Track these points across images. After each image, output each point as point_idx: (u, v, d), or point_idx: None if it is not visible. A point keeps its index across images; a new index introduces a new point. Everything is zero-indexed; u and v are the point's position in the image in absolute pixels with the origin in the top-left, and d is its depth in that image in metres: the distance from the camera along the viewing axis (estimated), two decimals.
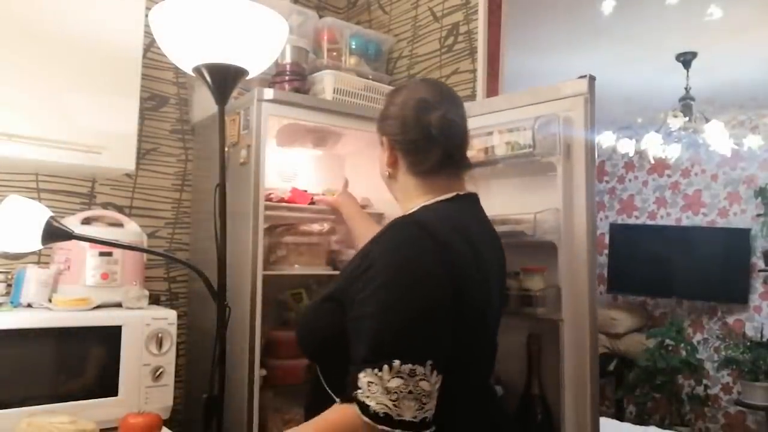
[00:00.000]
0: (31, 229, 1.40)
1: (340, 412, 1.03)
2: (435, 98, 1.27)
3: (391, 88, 2.35)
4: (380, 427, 0.96)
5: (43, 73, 1.75)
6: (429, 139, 1.25)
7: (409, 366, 0.98)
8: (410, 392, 0.97)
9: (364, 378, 0.98)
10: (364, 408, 0.97)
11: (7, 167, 2.00)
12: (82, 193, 2.19)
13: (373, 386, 0.97)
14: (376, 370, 0.98)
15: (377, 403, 0.96)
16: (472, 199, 1.32)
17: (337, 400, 1.09)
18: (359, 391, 0.98)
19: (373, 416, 0.96)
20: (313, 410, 1.12)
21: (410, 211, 1.25)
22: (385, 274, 1.06)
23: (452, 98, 1.31)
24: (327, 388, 1.17)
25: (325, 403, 1.10)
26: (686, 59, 3.88)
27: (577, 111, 1.56)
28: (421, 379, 0.98)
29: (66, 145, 1.78)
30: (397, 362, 0.97)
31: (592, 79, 1.57)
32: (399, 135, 1.28)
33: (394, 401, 0.96)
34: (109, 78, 1.87)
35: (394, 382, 0.97)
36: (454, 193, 1.27)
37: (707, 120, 3.93)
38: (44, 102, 1.75)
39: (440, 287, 1.07)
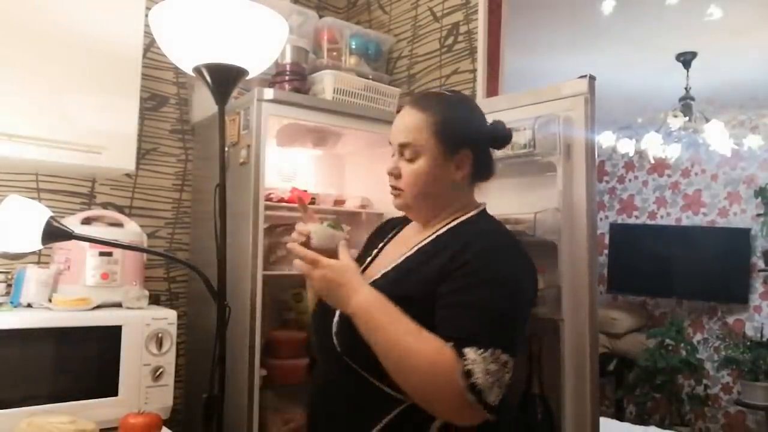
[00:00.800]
0: (31, 229, 1.40)
1: (440, 351, 1.06)
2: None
3: (391, 88, 2.36)
4: (471, 398, 1.03)
5: (43, 73, 1.75)
6: (494, 145, 1.37)
7: (506, 357, 1.07)
8: (498, 380, 1.05)
9: (470, 353, 1.04)
10: (467, 374, 1.03)
11: (7, 167, 2.00)
12: (82, 193, 2.19)
13: (476, 364, 1.03)
14: (481, 351, 1.04)
15: (481, 379, 1.03)
16: None
17: (400, 396, 1.15)
18: (467, 360, 1.04)
19: (471, 387, 1.03)
20: (364, 413, 1.20)
21: (469, 215, 1.32)
22: (493, 271, 1.15)
23: None
24: (387, 390, 1.16)
25: (382, 405, 1.18)
26: (686, 59, 3.88)
27: (577, 111, 1.56)
28: (507, 372, 1.07)
29: (66, 145, 1.78)
30: (499, 351, 1.05)
31: (592, 78, 1.57)
32: (480, 143, 1.33)
33: (489, 383, 1.04)
34: (109, 78, 1.87)
35: (493, 366, 1.04)
36: (484, 203, 1.38)
37: (707, 120, 3.93)
38: (44, 102, 1.75)
39: (533, 291, 1.25)
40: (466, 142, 1.29)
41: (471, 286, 1.12)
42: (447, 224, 1.31)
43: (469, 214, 1.32)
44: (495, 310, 1.11)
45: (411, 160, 1.28)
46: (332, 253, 1.24)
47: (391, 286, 1.22)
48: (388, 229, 1.52)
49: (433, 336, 1.08)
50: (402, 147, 1.29)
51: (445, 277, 1.15)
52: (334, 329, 1.23)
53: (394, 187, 1.33)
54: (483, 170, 1.34)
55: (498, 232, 1.28)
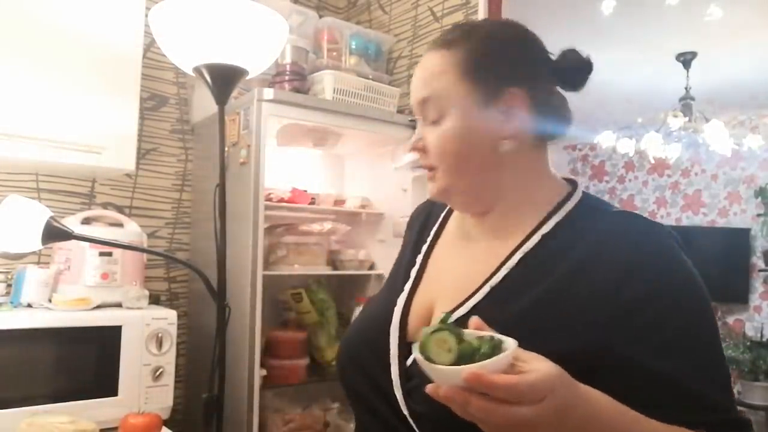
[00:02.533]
0: (31, 229, 1.40)
1: None
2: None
3: (391, 88, 2.36)
4: None
5: (43, 72, 1.75)
6: (564, 79, 0.90)
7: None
8: None
9: None
10: None
11: (7, 167, 2.00)
12: (82, 193, 2.19)
13: None
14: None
15: None
16: None
17: None
18: None
19: None
20: None
21: (572, 201, 0.87)
22: (691, 304, 0.77)
23: None
24: None
25: None
26: (686, 59, 3.88)
27: None
28: None
29: (66, 145, 1.78)
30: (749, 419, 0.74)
31: None
32: (539, 77, 0.87)
33: None
34: (109, 78, 1.87)
35: None
36: (572, 178, 0.95)
37: (707, 120, 3.93)
38: (44, 102, 1.75)
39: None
40: (516, 76, 0.84)
41: (677, 339, 0.73)
42: (546, 218, 0.85)
43: (573, 201, 0.87)
44: (722, 361, 0.76)
45: (436, 122, 0.85)
46: None
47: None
48: (427, 220, 1.04)
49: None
50: (422, 105, 0.87)
51: (615, 327, 0.72)
52: (399, 386, 0.80)
53: (424, 167, 0.89)
54: (551, 119, 0.87)
55: (657, 233, 0.80)
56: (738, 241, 4.97)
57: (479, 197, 0.87)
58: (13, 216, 1.40)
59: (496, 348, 0.62)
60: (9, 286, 1.84)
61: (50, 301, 1.81)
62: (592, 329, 0.73)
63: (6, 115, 1.69)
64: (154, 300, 2.03)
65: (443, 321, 0.65)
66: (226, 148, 1.89)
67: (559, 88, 0.90)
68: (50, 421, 1.52)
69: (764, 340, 4.63)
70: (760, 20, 3.32)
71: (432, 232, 0.99)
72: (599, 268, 0.75)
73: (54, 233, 1.43)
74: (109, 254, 1.88)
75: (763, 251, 4.82)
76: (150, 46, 2.23)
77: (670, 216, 5.50)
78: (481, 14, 2.21)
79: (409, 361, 0.81)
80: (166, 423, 1.74)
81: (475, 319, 0.66)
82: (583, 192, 0.90)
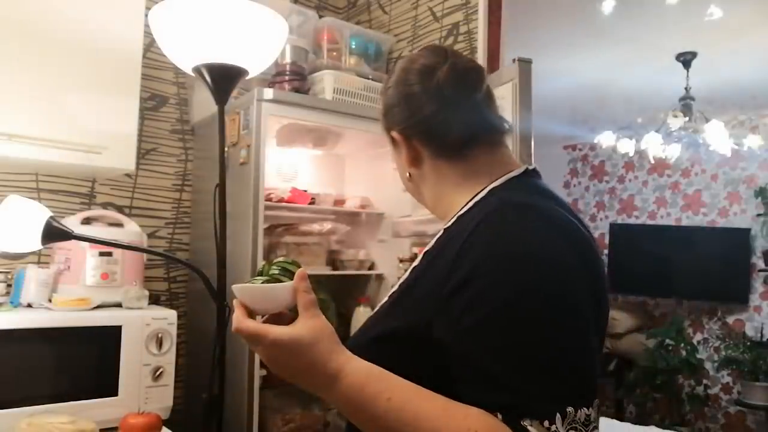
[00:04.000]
0: (31, 229, 1.40)
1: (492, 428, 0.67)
2: (436, 57, 0.96)
3: None
4: None
5: (43, 72, 1.75)
6: (446, 104, 0.92)
7: (585, 412, 0.68)
8: None
9: (533, 429, 0.66)
10: None
11: (7, 167, 2.00)
12: (82, 193, 2.19)
13: None
14: (546, 424, 0.66)
15: None
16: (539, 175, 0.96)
17: None
18: None
19: None
20: None
21: (478, 196, 0.89)
22: (515, 284, 0.72)
23: (457, 52, 0.99)
24: None
25: None
26: (686, 59, 3.88)
27: (507, 96, 1.56)
28: (594, 427, 0.69)
29: (66, 145, 1.78)
30: (570, 409, 0.67)
31: (523, 62, 1.54)
32: (410, 118, 0.95)
33: None
34: (109, 78, 1.87)
35: None
36: (524, 167, 0.94)
37: (707, 120, 3.93)
38: (44, 102, 1.75)
39: (586, 276, 0.77)
40: (392, 120, 0.98)
41: (488, 320, 0.71)
42: (454, 217, 0.90)
43: (478, 196, 0.89)
44: (550, 345, 0.70)
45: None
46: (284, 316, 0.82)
47: (377, 320, 0.89)
48: None
49: (474, 411, 0.69)
50: None
51: (440, 304, 0.76)
52: None
53: None
54: (445, 138, 0.93)
55: (509, 211, 0.79)
56: (738, 241, 4.96)
57: (430, 208, 1.02)
58: (13, 216, 1.40)
59: (283, 272, 0.83)
60: (9, 286, 1.84)
61: (50, 301, 1.81)
62: (421, 308, 0.79)
63: (6, 115, 1.69)
64: (154, 300, 2.03)
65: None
66: (226, 148, 1.89)
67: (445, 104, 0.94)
68: (50, 421, 1.53)
69: (764, 340, 4.63)
70: (760, 20, 3.32)
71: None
72: (446, 253, 0.80)
73: (54, 233, 1.43)
74: (109, 254, 1.88)
75: (763, 251, 4.82)
76: (150, 46, 2.23)
77: (670, 216, 5.50)
78: (481, 14, 2.21)
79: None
80: (166, 423, 1.74)
81: (299, 273, 0.79)
82: (498, 187, 0.90)
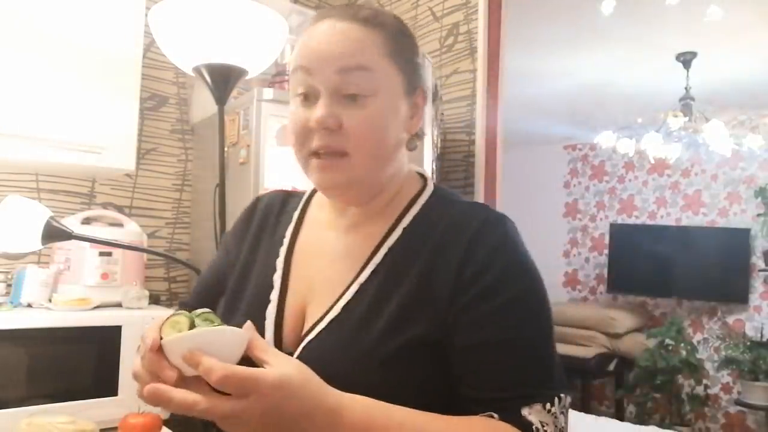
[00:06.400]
0: (31, 229, 1.40)
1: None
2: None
3: None
4: None
5: (43, 73, 1.75)
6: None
7: (569, 399, 0.76)
8: None
9: (534, 416, 0.71)
10: None
11: (7, 167, 2.00)
12: (82, 193, 2.19)
13: (548, 427, 0.71)
14: (548, 405, 0.72)
15: None
16: None
17: None
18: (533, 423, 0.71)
19: None
20: None
21: (425, 192, 0.88)
22: (520, 281, 0.77)
23: None
24: None
25: None
26: (686, 59, 3.88)
27: None
28: (565, 415, 0.75)
29: (66, 145, 1.78)
30: (563, 394, 0.74)
31: None
32: (425, 83, 0.89)
33: None
34: (109, 78, 1.87)
35: (562, 419, 0.73)
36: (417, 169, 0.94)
37: (707, 120, 3.93)
38: (44, 102, 1.75)
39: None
40: (420, 75, 0.87)
41: (504, 312, 0.75)
42: (404, 211, 0.85)
43: (426, 193, 0.87)
44: (547, 337, 0.78)
45: (355, 100, 0.78)
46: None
47: (376, 336, 0.77)
48: (275, 219, 0.96)
49: (475, 421, 0.72)
50: (345, 75, 0.77)
51: (459, 308, 0.75)
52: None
53: (327, 152, 0.78)
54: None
55: (500, 217, 0.82)
56: (738, 241, 4.96)
57: (374, 189, 0.84)
58: (13, 216, 1.41)
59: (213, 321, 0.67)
60: (9, 286, 1.84)
61: (50, 301, 1.81)
62: (438, 311, 0.75)
63: (6, 115, 1.69)
64: (154, 300, 2.03)
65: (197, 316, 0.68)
66: (226, 148, 1.89)
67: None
68: (50, 421, 1.52)
69: (764, 340, 4.63)
70: (760, 20, 3.32)
71: (289, 231, 0.92)
72: (446, 254, 0.78)
73: (54, 233, 1.43)
74: (109, 254, 1.88)
75: (763, 251, 4.82)
76: (150, 46, 2.23)
77: (671, 216, 5.50)
78: (481, 14, 2.22)
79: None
80: (166, 423, 1.74)
81: (248, 324, 0.68)
82: (434, 185, 0.90)
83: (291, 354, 0.77)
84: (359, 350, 0.75)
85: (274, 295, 0.85)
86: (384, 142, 0.80)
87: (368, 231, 0.84)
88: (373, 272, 0.80)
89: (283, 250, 0.89)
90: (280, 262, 0.88)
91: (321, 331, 0.78)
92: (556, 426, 0.72)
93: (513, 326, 0.74)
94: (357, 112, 0.77)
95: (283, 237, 0.91)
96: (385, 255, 0.81)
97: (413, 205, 0.85)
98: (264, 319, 0.83)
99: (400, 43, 0.83)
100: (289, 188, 2.25)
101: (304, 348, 0.78)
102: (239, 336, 0.66)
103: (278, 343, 0.81)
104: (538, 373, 0.74)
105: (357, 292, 0.79)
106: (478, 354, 0.74)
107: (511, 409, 0.71)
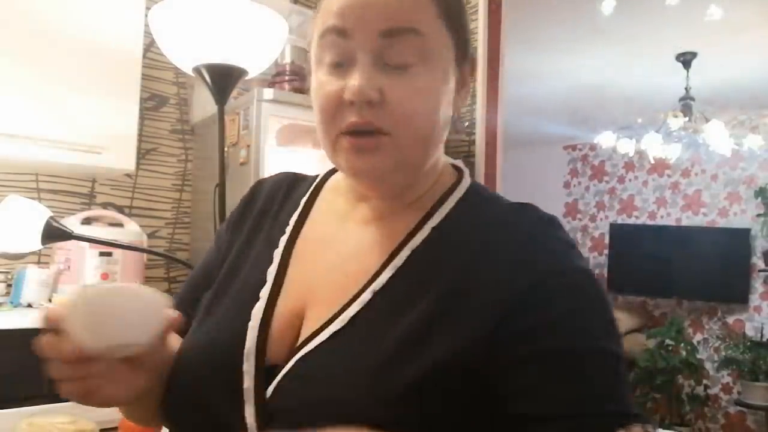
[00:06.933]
0: (31, 229, 1.40)
1: None
2: None
3: None
4: None
5: (43, 72, 1.75)
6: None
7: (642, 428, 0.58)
8: None
9: None
10: None
11: (7, 167, 2.00)
12: (82, 193, 2.19)
13: None
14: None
15: None
16: None
17: None
18: None
19: None
20: None
21: (461, 187, 0.71)
22: (588, 292, 0.61)
23: None
24: None
25: None
26: (686, 59, 3.88)
27: None
28: None
29: (66, 145, 1.78)
30: (638, 428, 0.55)
31: None
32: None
33: None
34: (110, 78, 1.87)
35: None
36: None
37: (707, 120, 3.93)
38: (44, 102, 1.75)
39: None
40: (469, 44, 0.71)
41: (571, 325, 0.58)
42: (434, 207, 0.69)
43: (461, 189, 0.71)
44: (620, 356, 0.59)
45: (404, 69, 0.63)
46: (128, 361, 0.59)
47: (396, 356, 0.58)
48: (278, 204, 0.80)
49: None
50: (390, 39, 0.62)
51: (504, 321, 0.58)
52: (255, 429, 0.60)
53: (365, 130, 0.63)
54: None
55: (551, 218, 0.67)
56: (738, 241, 4.96)
57: (412, 178, 0.69)
58: (13, 216, 1.41)
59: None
60: (9, 286, 1.84)
61: (50, 301, 1.81)
62: (480, 326, 0.58)
63: (6, 115, 1.69)
64: None
65: None
66: (226, 148, 1.88)
67: None
68: (50, 421, 1.52)
69: (764, 340, 4.63)
70: (760, 20, 3.32)
71: (293, 219, 0.75)
72: (491, 263, 0.61)
73: (54, 233, 1.43)
74: (109, 254, 1.88)
75: (763, 251, 4.82)
76: (150, 46, 2.23)
77: (671, 216, 5.50)
78: (481, 14, 2.22)
79: (269, 392, 0.60)
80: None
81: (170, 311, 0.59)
82: (472, 180, 0.73)
83: (277, 370, 0.62)
84: (370, 375, 0.57)
85: (265, 292, 0.68)
86: (433, 121, 0.64)
87: (391, 227, 0.68)
88: (392, 277, 0.63)
89: (283, 240, 0.73)
90: (277, 254, 0.71)
91: (320, 345, 0.61)
92: None
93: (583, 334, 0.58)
94: (404, 83, 0.62)
95: (286, 225, 0.74)
96: (408, 257, 0.64)
97: (446, 201, 0.69)
98: (249, 320, 0.65)
99: (455, 3, 0.67)
100: None
101: (296, 363, 0.61)
102: (156, 302, 0.53)
103: (261, 353, 0.63)
104: (612, 393, 0.57)
105: (370, 301, 0.62)
106: (539, 363, 0.57)
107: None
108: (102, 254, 1.86)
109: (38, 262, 2.03)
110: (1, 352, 1.62)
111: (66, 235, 1.45)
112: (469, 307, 0.59)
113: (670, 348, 4.82)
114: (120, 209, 2.24)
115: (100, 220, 2.04)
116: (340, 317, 0.62)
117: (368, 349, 0.59)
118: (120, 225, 2.04)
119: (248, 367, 0.62)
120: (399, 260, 0.64)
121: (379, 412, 0.55)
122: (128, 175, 2.28)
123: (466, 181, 0.72)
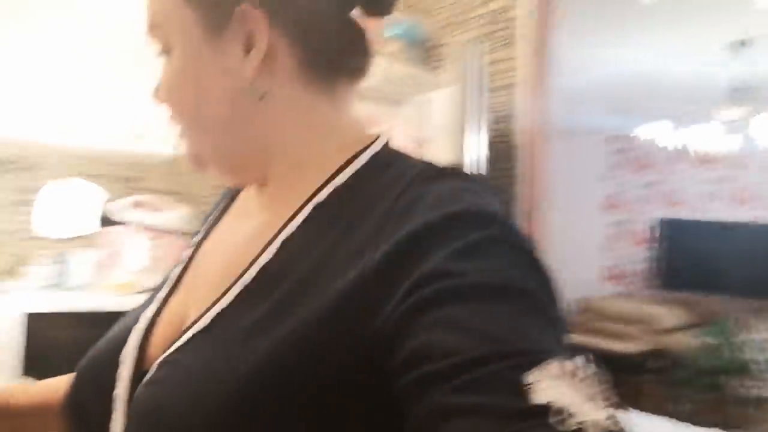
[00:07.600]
0: (85, 212, 1.43)
1: None
2: None
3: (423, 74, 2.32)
4: None
5: (86, 60, 1.78)
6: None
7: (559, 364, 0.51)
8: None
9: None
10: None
11: (56, 153, 2.05)
12: (129, 178, 2.22)
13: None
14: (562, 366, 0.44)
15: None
16: None
17: None
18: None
19: None
20: None
21: (364, 155, 0.59)
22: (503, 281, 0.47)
23: None
24: None
25: None
26: (738, 47, 3.77)
27: None
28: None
29: (113, 131, 1.81)
30: (554, 364, 0.43)
31: None
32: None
33: None
34: (151, 64, 1.89)
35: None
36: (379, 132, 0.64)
37: (760, 111, 3.81)
38: (90, 90, 1.78)
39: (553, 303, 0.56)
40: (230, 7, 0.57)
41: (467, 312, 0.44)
42: (319, 189, 0.57)
43: (362, 159, 0.58)
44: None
45: (167, 56, 0.61)
46: None
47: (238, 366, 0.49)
48: (221, 201, 0.76)
49: None
50: (150, 34, 0.63)
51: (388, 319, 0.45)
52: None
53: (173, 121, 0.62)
54: (322, 49, 0.58)
55: (463, 193, 0.52)
56: None
57: (243, 163, 0.62)
58: (66, 199, 1.44)
59: None
60: (60, 268, 1.89)
61: (98, 284, 1.85)
62: (345, 287, 0.48)
63: (55, 105, 1.72)
64: None
65: None
66: None
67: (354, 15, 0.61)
68: None
69: None
70: None
71: (213, 215, 0.73)
72: (380, 244, 0.49)
73: (107, 217, 1.46)
74: (156, 239, 1.91)
75: None
76: None
77: (718, 211, 5.35)
78: (529, 1, 2.18)
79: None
80: None
81: None
82: (384, 147, 0.61)
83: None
84: (225, 388, 0.48)
85: (163, 293, 0.64)
86: (195, 103, 0.59)
87: (266, 218, 0.61)
88: (260, 272, 0.55)
89: (196, 240, 0.70)
90: (186, 254, 0.69)
91: (178, 349, 0.53)
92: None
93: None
94: (164, 75, 0.61)
95: (204, 225, 0.72)
96: (279, 250, 0.55)
97: (334, 178, 0.58)
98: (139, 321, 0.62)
99: None
100: None
101: (156, 368, 0.54)
102: None
103: (141, 359, 0.58)
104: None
105: (237, 296, 0.54)
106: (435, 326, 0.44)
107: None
108: (149, 239, 1.89)
109: (89, 245, 2.07)
110: (50, 333, 1.66)
111: (117, 220, 1.48)
112: (336, 270, 0.50)
113: (719, 347, 4.70)
114: (167, 194, 2.27)
115: (147, 205, 2.07)
116: (207, 314, 0.54)
117: (225, 359, 0.50)
118: (167, 210, 2.08)
119: (123, 371, 0.57)
120: (273, 248, 0.56)
121: (214, 418, 0.47)
122: (173, 161, 2.31)
123: (371, 150, 0.60)
